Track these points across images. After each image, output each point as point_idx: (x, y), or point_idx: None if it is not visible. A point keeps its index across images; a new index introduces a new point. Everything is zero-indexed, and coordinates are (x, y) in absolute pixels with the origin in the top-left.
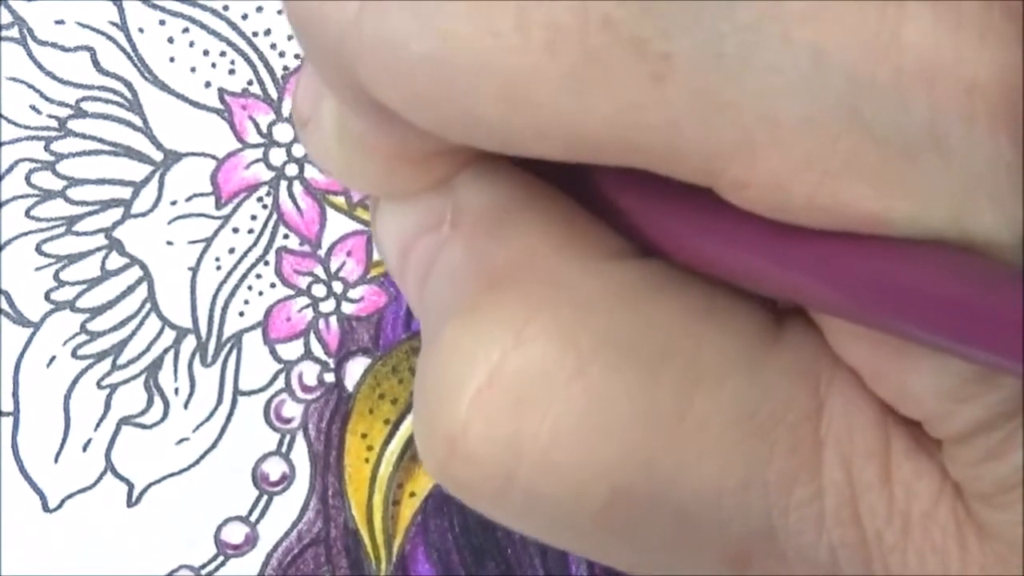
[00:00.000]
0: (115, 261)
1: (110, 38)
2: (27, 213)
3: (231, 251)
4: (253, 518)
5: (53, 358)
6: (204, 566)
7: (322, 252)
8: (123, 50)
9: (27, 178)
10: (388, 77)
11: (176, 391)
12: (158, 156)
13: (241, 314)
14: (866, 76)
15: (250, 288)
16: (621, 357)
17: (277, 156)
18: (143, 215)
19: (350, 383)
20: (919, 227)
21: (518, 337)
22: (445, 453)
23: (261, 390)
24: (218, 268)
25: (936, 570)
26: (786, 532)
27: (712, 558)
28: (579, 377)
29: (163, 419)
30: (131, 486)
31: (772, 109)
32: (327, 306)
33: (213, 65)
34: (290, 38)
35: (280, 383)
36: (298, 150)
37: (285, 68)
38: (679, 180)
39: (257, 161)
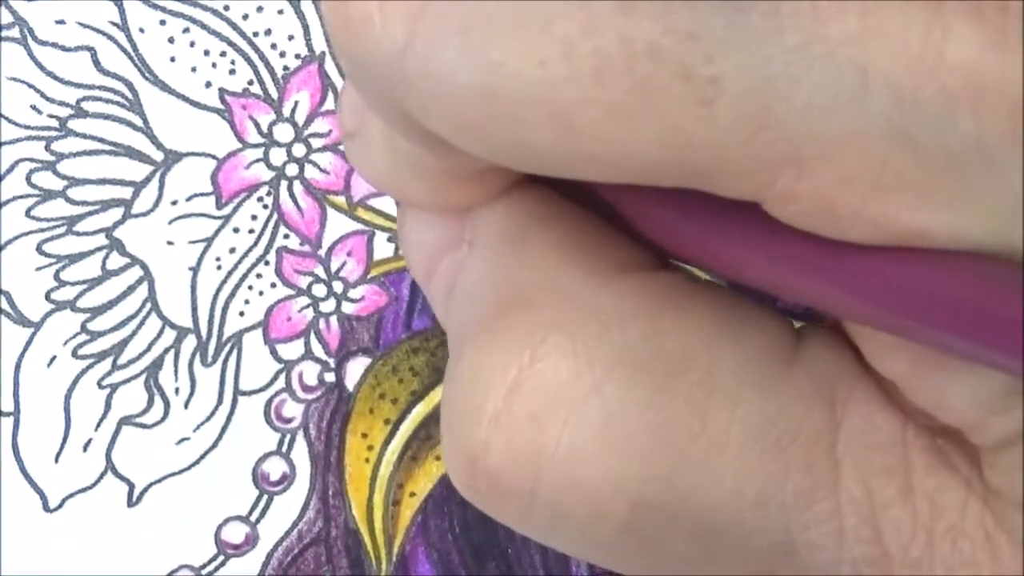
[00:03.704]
0: (115, 261)
1: (110, 38)
2: (27, 213)
3: (231, 251)
4: (253, 518)
5: (53, 358)
6: (204, 566)
7: (322, 252)
8: (124, 50)
9: (27, 178)
10: (436, 107)
11: (176, 391)
12: (158, 156)
13: (241, 314)
14: (911, 94)
15: (250, 288)
16: (635, 372)
17: (277, 156)
18: (144, 215)
19: (350, 383)
20: (962, 239)
21: (533, 355)
22: (469, 472)
23: (261, 390)
24: (218, 268)
25: None
26: (808, 548)
27: (736, 573)
28: (594, 393)
29: (163, 419)
30: (131, 486)
31: (819, 126)
32: (327, 306)
33: (213, 65)
34: (291, 38)
35: (280, 383)
36: (298, 150)
37: (285, 68)
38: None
39: (257, 161)
